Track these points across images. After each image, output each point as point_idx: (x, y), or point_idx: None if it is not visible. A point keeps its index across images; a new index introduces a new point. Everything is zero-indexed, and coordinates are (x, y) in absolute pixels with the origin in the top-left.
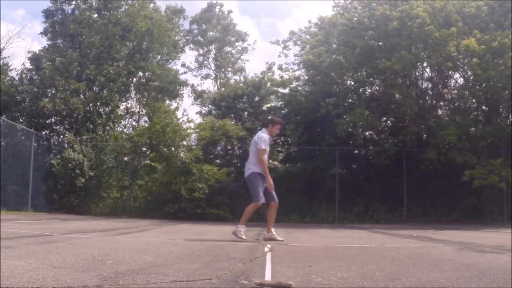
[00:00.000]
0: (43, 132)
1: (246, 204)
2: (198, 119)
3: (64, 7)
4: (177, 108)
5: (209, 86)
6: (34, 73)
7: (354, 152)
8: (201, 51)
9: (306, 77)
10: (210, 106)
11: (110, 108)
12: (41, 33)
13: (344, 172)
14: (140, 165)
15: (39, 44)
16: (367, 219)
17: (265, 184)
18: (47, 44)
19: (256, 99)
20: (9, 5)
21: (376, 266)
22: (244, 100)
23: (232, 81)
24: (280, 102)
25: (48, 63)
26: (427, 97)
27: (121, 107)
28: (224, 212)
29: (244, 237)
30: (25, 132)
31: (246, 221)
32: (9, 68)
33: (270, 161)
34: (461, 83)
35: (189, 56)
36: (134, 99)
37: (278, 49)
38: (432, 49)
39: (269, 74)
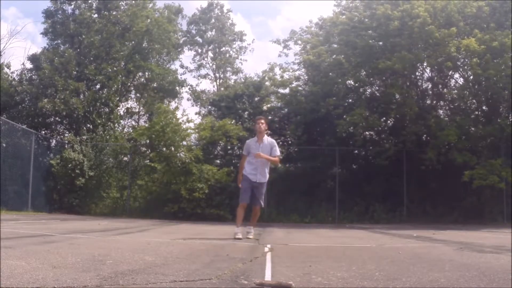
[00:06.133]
0: (43, 132)
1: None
2: (197, 120)
3: (64, 7)
4: (176, 108)
5: (208, 86)
6: (33, 72)
7: (354, 152)
8: (199, 51)
9: (306, 77)
10: (210, 107)
11: (109, 108)
12: (41, 33)
13: (344, 172)
14: (140, 165)
15: (31, 43)
16: (367, 219)
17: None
18: (47, 44)
19: (256, 99)
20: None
21: (376, 266)
22: (244, 100)
23: (231, 81)
24: (280, 102)
25: (48, 63)
26: (427, 97)
27: (121, 107)
28: (224, 212)
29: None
30: (25, 132)
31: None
32: (8, 67)
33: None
34: (461, 83)
35: (187, 56)
36: (134, 99)
37: (273, 48)
38: (433, 49)
39: (269, 73)
